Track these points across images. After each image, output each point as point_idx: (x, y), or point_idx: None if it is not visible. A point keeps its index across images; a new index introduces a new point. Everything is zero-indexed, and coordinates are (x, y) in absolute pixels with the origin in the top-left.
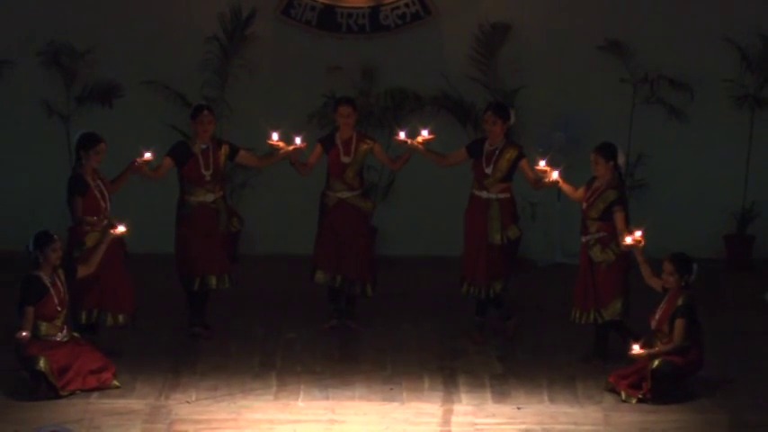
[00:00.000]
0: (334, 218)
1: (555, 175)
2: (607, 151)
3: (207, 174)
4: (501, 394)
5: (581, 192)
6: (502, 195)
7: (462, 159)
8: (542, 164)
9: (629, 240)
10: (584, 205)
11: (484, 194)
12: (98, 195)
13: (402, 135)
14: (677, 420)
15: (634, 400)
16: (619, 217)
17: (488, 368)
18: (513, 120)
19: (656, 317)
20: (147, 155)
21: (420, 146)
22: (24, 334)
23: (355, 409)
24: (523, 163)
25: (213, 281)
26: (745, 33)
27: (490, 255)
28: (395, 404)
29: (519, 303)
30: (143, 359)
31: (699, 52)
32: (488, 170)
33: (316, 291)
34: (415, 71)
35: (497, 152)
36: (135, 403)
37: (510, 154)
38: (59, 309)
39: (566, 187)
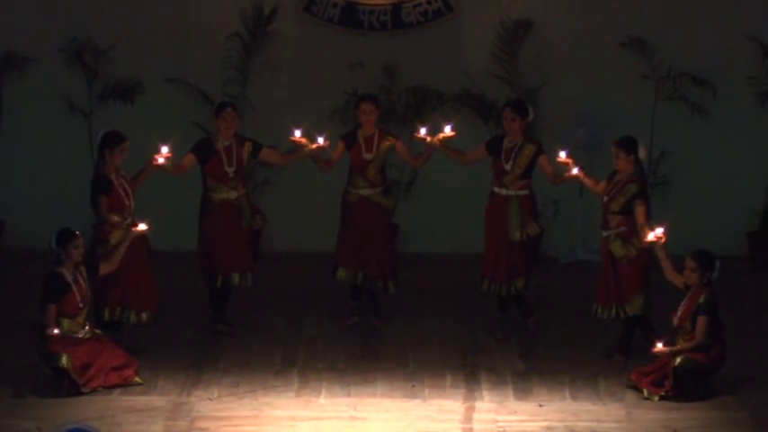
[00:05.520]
0: (356, 215)
1: (575, 170)
2: (628, 145)
3: (230, 171)
4: (523, 391)
5: (602, 185)
6: (521, 192)
7: (481, 156)
8: (563, 155)
9: (650, 237)
10: (606, 199)
11: (503, 191)
12: (122, 193)
13: (423, 131)
14: (699, 418)
15: (656, 398)
16: (640, 211)
17: (510, 365)
18: (531, 116)
19: (678, 314)
20: (164, 149)
21: (438, 143)
22: (56, 331)
23: (377, 406)
24: (542, 159)
25: (236, 278)
26: None
27: (510, 252)
28: (417, 401)
29: (541, 300)
30: (165, 356)
31: (721, 49)
32: (508, 167)
33: (337, 288)
34: (437, 68)
35: (516, 149)
36: (157, 400)
37: (529, 150)
38: (81, 306)
39: (587, 180)
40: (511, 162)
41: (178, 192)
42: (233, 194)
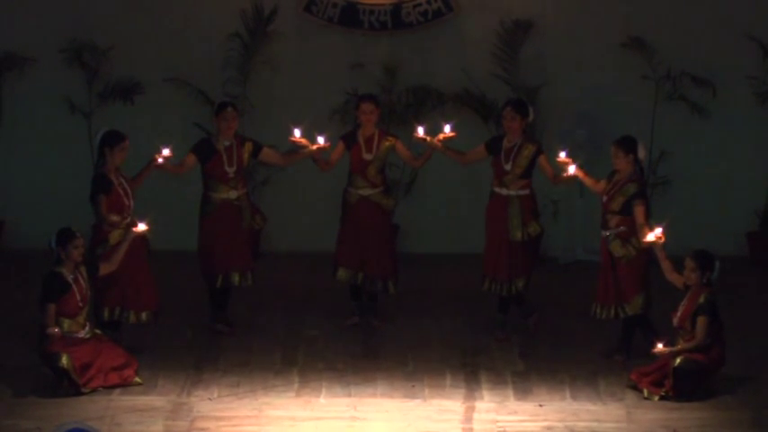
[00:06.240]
0: (357, 215)
1: (572, 169)
2: (627, 144)
3: (230, 171)
4: (523, 391)
5: (602, 184)
6: (522, 192)
7: (481, 157)
8: (563, 155)
9: (650, 237)
10: (605, 198)
11: (504, 191)
12: (122, 193)
13: (421, 132)
14: (700, 418)
15: (656, 398)
16: (639, 211)
17: (510, 365)
18: (531, 116)
19: (678, 314)
20: (166, 151)
21: (439, 144)
22: (56, 330)
23: (377, 406)
24: (542, 158)
25: (236, 278)
26: None
27: (511, 252)
28: (417, 401)
29: (541, 300)
30: (165, 356)
31: (721, 49)
32: (507, 167)
33: (337, 288)
34: (437, 68)
35: (516, 148)
36: (157, 400)
37: (528, 150)
38: (81, 305)
39: (586, 180)
40: (511, 162)
41: (178, 192)
42: (233, 194)
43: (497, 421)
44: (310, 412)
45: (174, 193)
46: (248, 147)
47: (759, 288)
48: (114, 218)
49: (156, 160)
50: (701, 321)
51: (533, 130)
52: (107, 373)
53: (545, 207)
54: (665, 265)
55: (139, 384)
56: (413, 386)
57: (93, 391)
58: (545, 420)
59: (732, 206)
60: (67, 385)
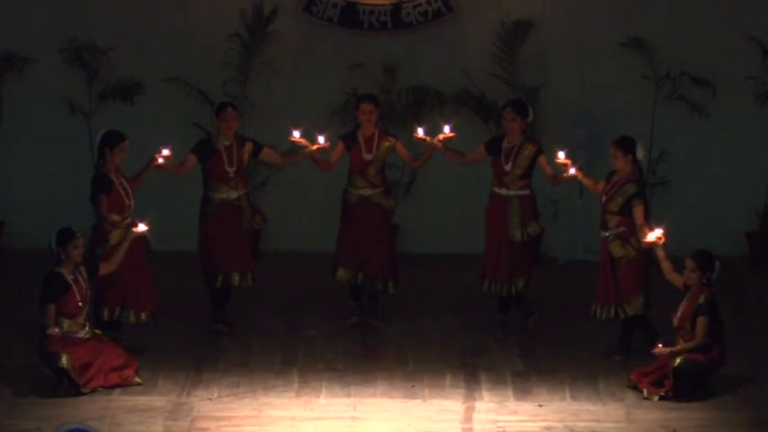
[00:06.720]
0: (356, 215)
1: (571, 171)
2: (626, 145)
3: (230, 171)
4: (523, 391)
5: (601, 185)
6: (522, 192)
7: (481, 157)
8: (562, 155)
9: (650, 238)
10: (604, 199)
11: (504, 191)
12: (122, 193)
13: (421, 132)
14: (699, 418)
15: (656, 398)
16: (638, 211)
17: (510, 365)
18: (531, 117)
19: (678, 314)
20: (165, 151)
21: (439, 144)
22: (57, 330)
23: (377, 406)
24: (542, 159)
25: (236, 278)
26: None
27: (511, 252)
28: (416, 401)
29: (540, 300)
30: (165, 356)
31: (721, 49)
32: (507, 167)
33: (337, 288)
34: (437, 68)
35: (516, 149)
36: (157, 400)
37: (528, 150)
38: (81, 305)
39: (586, 181)
40: (511, 162)
41: (178, 192)
42: (233, 194)
43: (497, 421)
44: (310, 412)
45: (174, 193)
46: (248, 147)
47: (759, 288)
48: (115, 218)
49: (155, 160)
50: (701, 321)
51: (533, 130)
52: (107, 373)
53: (545, 207)
54: (666, 266)
55: (139, 384)
56: (413, 386)
57: (93, 391)
58: (545, 420)
59: (732, 206)
60: (67, 385)
